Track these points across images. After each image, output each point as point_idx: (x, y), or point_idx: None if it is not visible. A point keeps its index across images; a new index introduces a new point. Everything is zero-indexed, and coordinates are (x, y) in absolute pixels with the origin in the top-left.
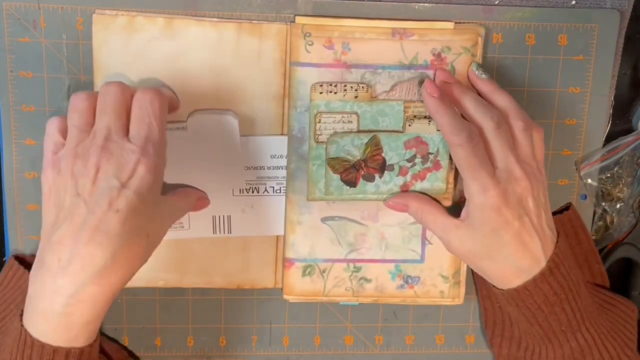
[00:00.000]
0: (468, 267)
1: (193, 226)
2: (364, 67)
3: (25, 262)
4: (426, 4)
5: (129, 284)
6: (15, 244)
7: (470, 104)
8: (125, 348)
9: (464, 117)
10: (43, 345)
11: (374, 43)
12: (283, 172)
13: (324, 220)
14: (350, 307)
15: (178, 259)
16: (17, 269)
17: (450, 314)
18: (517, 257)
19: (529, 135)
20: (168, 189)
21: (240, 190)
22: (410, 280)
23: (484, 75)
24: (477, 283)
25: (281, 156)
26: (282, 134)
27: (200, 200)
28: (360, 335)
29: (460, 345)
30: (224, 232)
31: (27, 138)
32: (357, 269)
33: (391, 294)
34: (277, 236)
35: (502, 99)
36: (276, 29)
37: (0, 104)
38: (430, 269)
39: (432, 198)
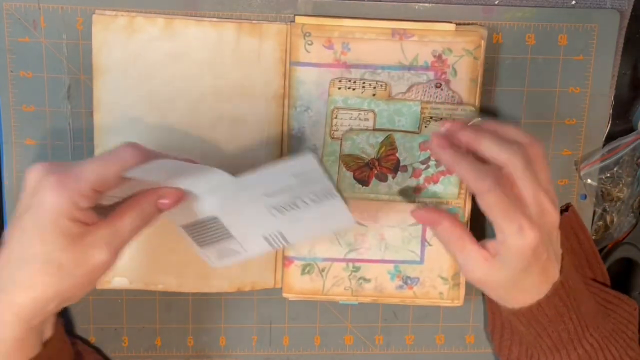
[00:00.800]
0: None
1: (249, 248)
2: (364, 67)
3: None
4: (426, 4)
5: (129, 287)
6: None
7: (491, 144)
8: (99, 351)
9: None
10: None
11: (374, 43)
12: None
13: None
14: (350, 307)
15: (177, 263)
16: None
17: (450, 314)
18: (539, 284)
19: (545, 159)
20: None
21: (277, 210)
22: (409, 281)
23: (480, 119)
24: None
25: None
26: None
27: (163, 200)
28: (360, 335)
29: (460, 345)
30: (281, 244)
31: (27, 138)
32: (357, 269)
33: (390, 295)
34: None
35: (510, 132)
36: (276, 29)
37: (0, 104)
38: (429, 270)
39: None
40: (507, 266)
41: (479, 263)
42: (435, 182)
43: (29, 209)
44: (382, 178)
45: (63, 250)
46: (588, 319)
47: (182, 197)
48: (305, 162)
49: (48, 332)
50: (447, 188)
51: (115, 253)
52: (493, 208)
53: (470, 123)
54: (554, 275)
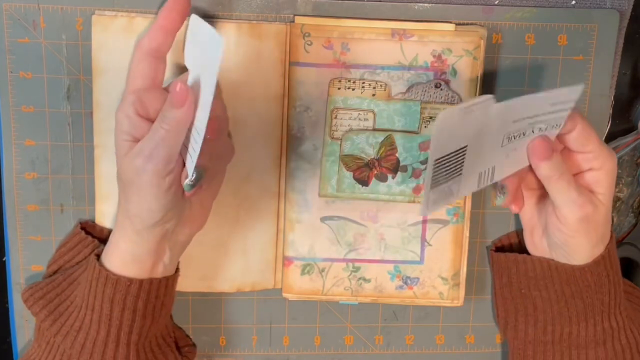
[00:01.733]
0: (468, 269)
1: (462, 189)
2: (363, 67)
3: (87, 230)
4: (426, 4)
5: None
6: (15, 244)
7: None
8: (188, 337)
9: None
10: (119, 277)
11: (374, 43)
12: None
13: (323, 219)
14: (350, 307)
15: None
16: (84, 237)
17: (450, 314)
18: (605, 233)
19: None
20: None
21: (509, 139)
22: (409, 281)
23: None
24: (495, 271)
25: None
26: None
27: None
28: (360, 335)
29: (460, 345)
30: (488, 182)
31: (27, 139)
32: (356, 269)
33: (390, 295)
34: (277, 237)
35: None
36: (276, 29)
37: (0, 105)
38: (429, 270)
39: None
40: (607, 198)
41: (588, 197)
42: None
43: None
44: (382, 178)
45: (122, 157)
46: (622, 297)
47: (185, 91)
48: (571, 92)
49: (170, 270)
50: None
51: (150, 157)
52: (591, 135)
53: (481, 100)
54: (609, 231)
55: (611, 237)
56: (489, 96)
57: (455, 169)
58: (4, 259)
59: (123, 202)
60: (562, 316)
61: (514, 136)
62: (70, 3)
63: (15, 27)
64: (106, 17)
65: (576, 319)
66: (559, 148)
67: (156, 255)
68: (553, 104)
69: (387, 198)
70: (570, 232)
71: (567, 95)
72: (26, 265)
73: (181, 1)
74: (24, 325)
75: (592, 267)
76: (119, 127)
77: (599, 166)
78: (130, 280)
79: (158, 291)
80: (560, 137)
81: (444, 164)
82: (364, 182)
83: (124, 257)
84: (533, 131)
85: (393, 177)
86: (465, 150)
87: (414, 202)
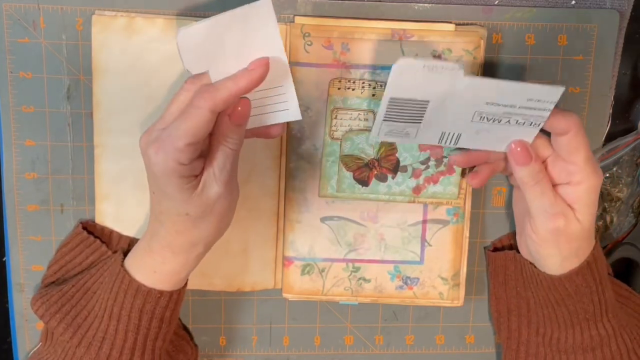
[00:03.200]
0: (468, 269)
1: (420, 136)
2: (363, 67)
3: (89, 230)
4: (426, 4)
5: None
6: (15, 244)
7: (554, 113)
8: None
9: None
10: (149, 290)
11: (373, 43)
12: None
13: (323, 219)
14: (350, 307)
15: None
16: (85, 236)
17: (450, 314)
18: (589, 244)
19: None
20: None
21: (481, 118)
22: (409, 282)
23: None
24: (491, 270)
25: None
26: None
27: (234, 114)
28: (360, 335)
29: (460, 345)
30: (451, 143)
31: (27, 139)
32: (356, 269)
33: (390, 295)
34: (277, 237)
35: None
36: None
37: (0, 105)
38: (429, 271)
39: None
40: (586, 216)
41: (561, 210)
42: (435, 182)
43: (148, 174)
44: (382, 178)
45: (185, 203)
46: (609, 303)
47: (248, 105)
48: (551, 92)
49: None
50: (447, 188)
51: (224, 184)
52: (581, 146)
53: (446, 66)
54: (593, 241)
55: (595, 247)
56: (456, 65)
57: (414, 116)
58: (4, 259)
59: (163, 232)
60: (552, 321)
61: (487, 117)
62: (70, 3)
63: (15, 27)
64: (106, 17)
65: (564, 325)
66: (545, 155)
67: (189, 270)
68: (529, 99)
69: (387, 198)
70: (539, 241)
71: (547, 94)
72: (26, 265)
73: (262, 74)
74: (24, 325)
75: (569, 278)
76: (171, 172)
77: (578, 181)
78: (161, 293)
79: (179, 298)
80: (553, 138)
81: (402, 106)
82: (364, 182)
83: (157, 271)
84: (509, 122)
85: (393, 177)
86: (427, 105)
87: (414, 202)
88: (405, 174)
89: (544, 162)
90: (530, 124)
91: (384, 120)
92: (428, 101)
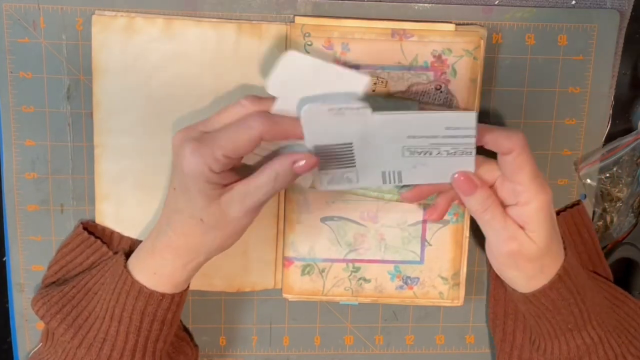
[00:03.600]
0: (468, 269)
1: (362, 180)
2: (363, 67)
3: (89, 230)
4: (426, 4)
5: None
6: (15, 244)
7: (498, 132)
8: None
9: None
10: (152, 292)
11: (373, 44)
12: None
13: (323, 220)
14: (350, 307)
15: None
16: (86, 237)
17: (450, 314)
18: (557, 258)
19: None
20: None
21: (410, 152)
22: (409, 281)
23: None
24: (493, 271)
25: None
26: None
27: (299, 163)
28: (360, 335)
29: (460, 345)
30: (395, 182)
31: (27, 139)
32: (357, 269)
33: (390, 295)
34: (277, 237)
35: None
36: (276, 30)
37: (0, 105)
38: (429, 270)
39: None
40: (540, 237)
41: (512, 233)
42: None
43: (175, 169)
44: None
45: (203, 208)
46: (592, 311)
47: (316, 163)
48: (466, 119)
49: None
50: None
51: (247, 211)
52: (525, 165)
53: (351, 106)
54: (561, 253)
55: (566, 259)
56: (361, 104)
57: (345, 160)
58: (4, 259)
59: (170, 233)
60: (539, 332)
61: (417, 151)
62: (70, 3)
63: (15, 27)
64: (106, 17)
65: (548, 336)
66: (493, 178)
67: (187, 276)
68: (448, 128)
69: (375, 195)
70: (499, 265)
71: (462, 121)
72: (26, 265)
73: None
74: (24, 325)
75: (542, 293)
76: (200, 175)
77: (526, 201)
78: (163, 295)
79: (181, 300)
80: (499, 158)
81: (328, 152)
82: None
83: (157, 273)
84: (440, 153)
85: None
86: (351, 147)
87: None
88: None
89: (492, 185)
90: (462, 153)
91: (319, 170)
92: (351, 142)
